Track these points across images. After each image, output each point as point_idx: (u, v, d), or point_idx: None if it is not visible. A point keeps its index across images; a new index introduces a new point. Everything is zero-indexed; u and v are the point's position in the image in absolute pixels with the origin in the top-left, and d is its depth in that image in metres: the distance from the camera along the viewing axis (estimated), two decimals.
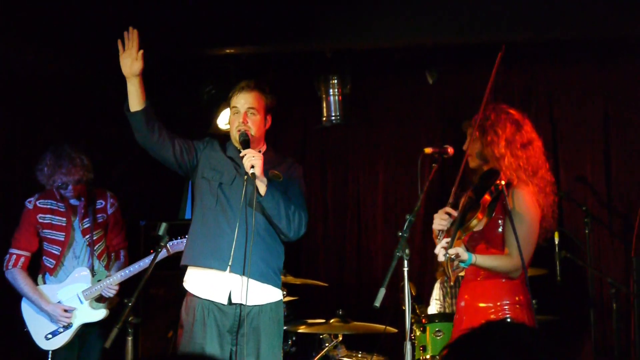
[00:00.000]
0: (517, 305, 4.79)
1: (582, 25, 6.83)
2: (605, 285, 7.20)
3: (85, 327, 6.26)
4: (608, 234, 7.51)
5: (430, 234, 7.76)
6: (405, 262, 4.60)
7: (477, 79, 7.92)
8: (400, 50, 7.60)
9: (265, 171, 5.04)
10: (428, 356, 5.87)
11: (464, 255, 4.64)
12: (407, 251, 4.58)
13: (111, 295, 6.24)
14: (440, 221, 4.78)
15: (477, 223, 4.71)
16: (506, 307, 4.79)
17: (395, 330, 5.83)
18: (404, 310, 4.69)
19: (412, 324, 6.02)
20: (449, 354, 2.37)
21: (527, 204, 4.83)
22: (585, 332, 7.12)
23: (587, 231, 6.97)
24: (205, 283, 5.02)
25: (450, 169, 7.91)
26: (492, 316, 4.80)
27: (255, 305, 5.02)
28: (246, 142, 5.02)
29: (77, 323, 6.23)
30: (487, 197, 4.70)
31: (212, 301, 5.00)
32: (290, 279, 6.57)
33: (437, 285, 7.05)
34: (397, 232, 4.60)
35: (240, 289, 4.94)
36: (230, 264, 4.94)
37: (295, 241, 5.27)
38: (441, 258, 4.63)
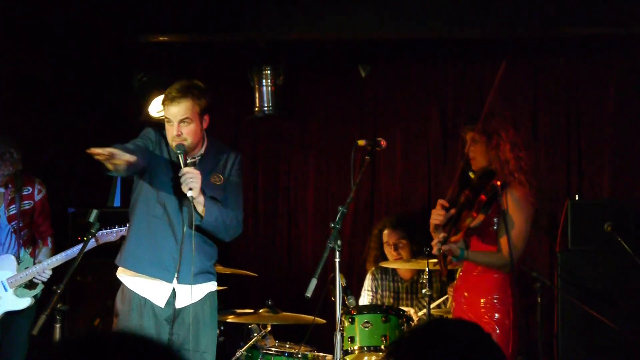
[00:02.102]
0: (505, 300, 5.03)
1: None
2: (529, 279, 7.31)
3: (9, 316, 6.18)
4: (534, 229, 7.63)
5: (360, 226, 7.90)
6: (337, 253, 4.65)
7: (410, 73, 8.02)
8: (334, 43, 7.63)
9: (206, 178, 4.97)
10: (356, 347, 5.91)
11: (457, 251, 4.90)
12: (338, 242, 4.62)
13: (45, 279, 6.16)
14: (437, 216, 4.98)
15: (472, 221, 4.91)
16: (496, 301, 5.04)
17: (324, 321, 5.85)
18: (333, 301, 4.73)
19: (340, 315, 6.04)
20: (390, 354, 2.40)
21: (521, 204, 5.06)
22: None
23: None
24: (145, 286, 4.97)
25: (382, 162, 7.99)
26: (484, 310, 5.05)
27: (194, 302, 5.01)
28: (184, 154, 4.91)
29: (1, 311, 6.14)
30: (482, 196, 4.88)
31: (150, 300, 4.96)
32: (220, 269, 6.53)
33: (368, 276, 7.10)
34: (327, 224, 4.65)
35: (179, 295, 4.95)
36: (177, 276, 4.92)
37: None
38: (436, 252, 4.85)
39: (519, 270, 5.37)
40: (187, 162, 4.93)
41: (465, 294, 5.21)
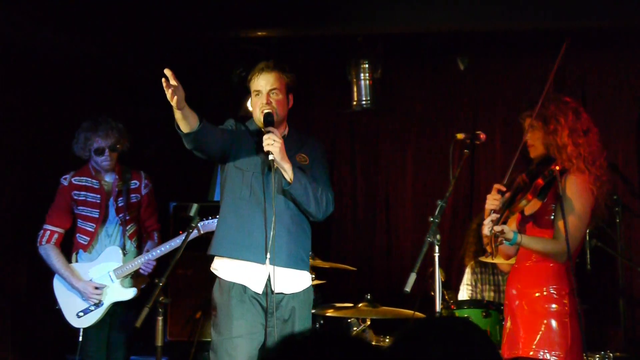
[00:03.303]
0: (563, 290, 4.82)
1: (613, 13, 6.80)
2: (635, 274, 7.17)
3: (116, 306, 6.29)
4: (639, 223, 7.47)
5: (459, 220, 7.84)
6: (436, 247, 4.60)
7: (509, 65, 7.92)
8: (432, 36, 7.57)
9: (292, 156, 5.00)
10: None
11: (510, 233, 4.69)
12: (437, 237, 4.57)
13: (149, 271, 6.28)
14: (493, 200, 4.80)
15: (527, 203, 4.75)
16: (553, 292, 4.82)
17: (423, 316, 5.81)
18: (433, 296, 4.69)
19: (440, 310, 5.99)
20: (390, 349, 2.45)
21: (580, 191, 4.84)
22: (614, 321, 7.08)
23: (617, 220, 6.92)
24: (241, 273, 4.99)
25: (482, 155, 7.91)
26: (539, 302, 4.83)
27: (292, 293, 5.02)
28: (271, 123, 4.94)
29: (107, 301, 6.26)
30: (539, 180, 4.73)
31: (249, 288, 4.97)
32: (319, 263, 6.57)
33: (467, 270, 7.03)
34: (426, 218, 4.60)
35: (276, 279, 4.93)
36: (268, 256, 4.91)
37: (324, 220, 5.20)
38: (486, 232, 4.68)
39: (575, 260, 5.11)
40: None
41: (518, 285, 4.99)
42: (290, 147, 5.05)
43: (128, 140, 6.40)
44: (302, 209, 5.06)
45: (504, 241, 4.74)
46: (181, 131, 4.80)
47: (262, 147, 4.91)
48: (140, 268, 6.27)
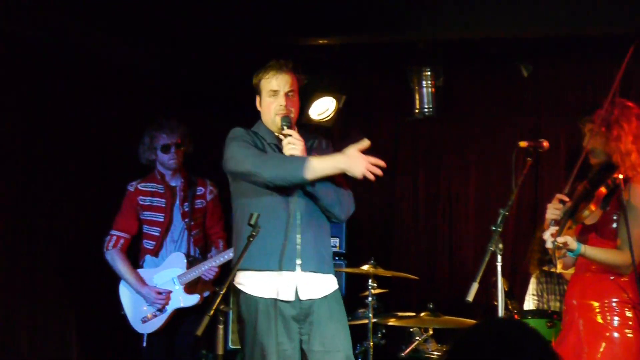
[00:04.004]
0: (626, 303, 4.68)
1: None
2: None
3: (180, 313, 6.33)
4: None
5: (522, 229, 7.75)
6: (499, 256, 4.55)
7: (573, 72, 7.82)
8: (495, 42, 7.51)
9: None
10: None
11: (573, 244, 4.56)
12: (500, 246, 4.53)
13: (211, 277, 6.32)
14: (554, 210, 4.68)
15: (589, 214, 4.63)
16: (615, 304, 4.69)
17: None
18: (496, 306, 4.64)
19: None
20: (449, 353, 2.42)
21: None
22: None
23: None
24: (269, 285, 4.80)
25: (545, 163, 7.82)
26: (600, 315, 4.71)
27: (321, 297, 4.86)
28: (289, 128, 4.80)
29: (171, 307, 6.31)
30: (602, 189, 4.61)
31: (277, 299, 4.80)
32: (381, 271, 6.54)
33: (532, 280, 6.94)
34: (489, 226, 4.55)
35: (306, 285, 4.80)
36: (299, 262, 4.77)
37: (345, 221, 5.07)
38: (549, 245, 4.55)
39: None
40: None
41: (578, 296, 4.86)
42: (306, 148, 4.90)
43: (191, 142, 6.47)
44: (324, 211, 4.89)
45: (567, 252, 4.64)
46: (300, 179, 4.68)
47: (279, 150, 4.81)
48: (202, 275, 6.31)
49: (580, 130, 5.03)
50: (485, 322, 2.61)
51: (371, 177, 4.65)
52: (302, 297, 4.79)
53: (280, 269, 4.75)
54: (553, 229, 4.57)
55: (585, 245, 4.65)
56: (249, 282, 4.82)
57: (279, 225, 4.77)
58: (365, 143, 4.68)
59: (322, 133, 5.44)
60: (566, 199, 4.68)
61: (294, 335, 4.79)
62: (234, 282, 4.84)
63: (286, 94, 4.85)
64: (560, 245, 4.53)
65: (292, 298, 4.79)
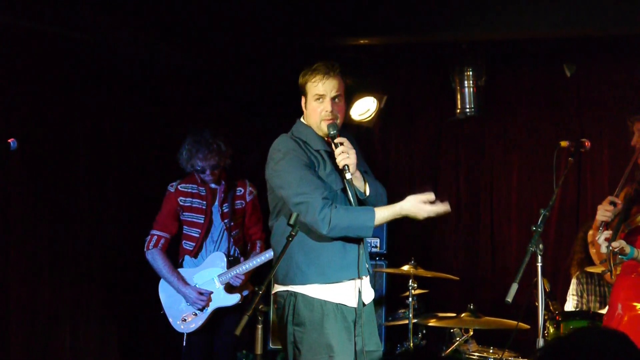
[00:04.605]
0: None
1: None
2: None
3: (220, 312, 6.36)
4: None
5: (565, 229, 7.69)
6: (539, 257, 4.53)
7: (616, 71, 7.74)
8: (538, 42, 7.46)
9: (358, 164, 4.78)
10: None
11: (627, 248, 4.52)
12: (540, 246, 4.50)
13: (237, 284, 6.33)
14: (605, 212, 4.65)
15: None
16: None
17: (528, 327, 5.71)
18: (537, 307, 4.62)
19: (545, 321, 5.90)
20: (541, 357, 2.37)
21: None
22: None
23: None
24: (335, 291, 4.76)
25: (588, 163, 7.75)
26: None
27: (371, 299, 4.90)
28: (335, 136, 4.70)
29: (211, 307, 6.34)
30: None
31: (344, 304, 4.77)
32: (422, 272, 6.54)
33: (573, 281, 6.89)
34: (530, 227, 4.52)
35: (366, 289, 4.81)
36: (360, 269, 4.75)
37: None
38: (604, 250, 4.52)
39: None
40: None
41: (624, 298, 4.80)
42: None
43: (229, 156, 6.44)
44: None
45: (621, 256, 4.60)
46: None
47: (334, 161, 4.72)
48: (230, 280, 6.33)
49: (629, 128, 4.98)
50: (576, 331, 2.49)
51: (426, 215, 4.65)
52: (365, 302, 4.81)
53: (346, 279, 4.74)
54: (607, 233, 4.52)
55: (637, 249, 4.61)
56: (309, 289, 4.74)
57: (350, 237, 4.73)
58: (431, 196, 4.63)
59: (363, 133, 5.37)
60: (617, 200, 4.65)
61: (352, 338, 4.76)
62: (287, 287, 4.78)
63: (332, 99, 4.73)
64: (616, 250, 4.49)
65: (355, 304, 4.77)
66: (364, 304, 4.81)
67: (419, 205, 4.62)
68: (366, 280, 4.83)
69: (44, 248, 6.62)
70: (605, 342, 2.35)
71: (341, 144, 4.66)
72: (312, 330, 4.71)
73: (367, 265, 4.81)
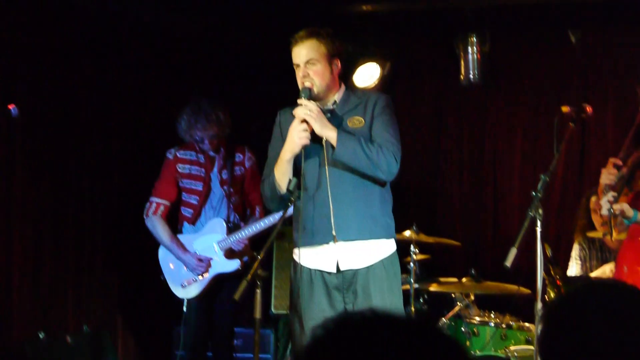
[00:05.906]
0: None
1: None
2: None
3: (220, 278, 6.37)
4: None
5: (568, 195, 7.68)
6: (538, 222, 4.53)
7: (622, 37, 7.69)
8: (542, 7, 7.42)
9: (343, 122, 4.78)
10: None
11: (630, 211, 4.50)
12: (540, 211, 4.50)
13: (240, 249, 6.34)
14: (608, 175, 4.61)
15: None
16: None
17: (529, 292, 5.72)
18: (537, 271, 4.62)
19: (545, 286, 5.91)
20: (546, 317, 2.30)
21: None
22: None
23: None
24: (313, 256, 4.81)
25: (592, 130, 7.73)
26: None
27: (364, 267, 4.80)
28: (308, 99, 4.71)
29: (211, 273, 6.35)
30: None
31: (321, 270, 4.82)
32: (423, 237, 6.55)
33: (575, 246, 6.88)
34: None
35: (346, 255, 4.77)
36: (334, 234, 4.73)
37: (394, 179, 4.85)
38: (604, 212, 4.49)
39: None
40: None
41: (630, 262, 4.78)
42: (343, 112, 4.84)
43: (228, 126, 6.41)
44: (363, 173, 4.76)
45: (624, 220, 4.57)
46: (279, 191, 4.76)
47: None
48: (232, 245, 6.33)
49: (637, 94, 4.95)
50: (581, 287, 2.32)
51: (306, 140, 4.66)
52: (342, 268, 4.78)
53: (320, 243, 4.78)
54: (610, 195, 4.50)
55: None
56: (299, 254, 4.86)
57: (317, 199, 4.77)
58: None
59: (380, 92, 5.33)
60: (620, 163, 4.62)
61: (337, 304, 4.78)
62: (293, 254, 4.91)
63: (305, 65, 4.76)
64: (617, 212, 4.47)
65: (333, 270, 4.78)
66: (339, 270, 4.78)
67: (289, 136, 4.71)
68: (352, 244, 4.78)
69: (46, 214, 6.64)
70: (615, 295, 2.25)
71: (299, 105, 4.68)
72: (293, 294, 4.86)
73: (333, 232, 4.74)
